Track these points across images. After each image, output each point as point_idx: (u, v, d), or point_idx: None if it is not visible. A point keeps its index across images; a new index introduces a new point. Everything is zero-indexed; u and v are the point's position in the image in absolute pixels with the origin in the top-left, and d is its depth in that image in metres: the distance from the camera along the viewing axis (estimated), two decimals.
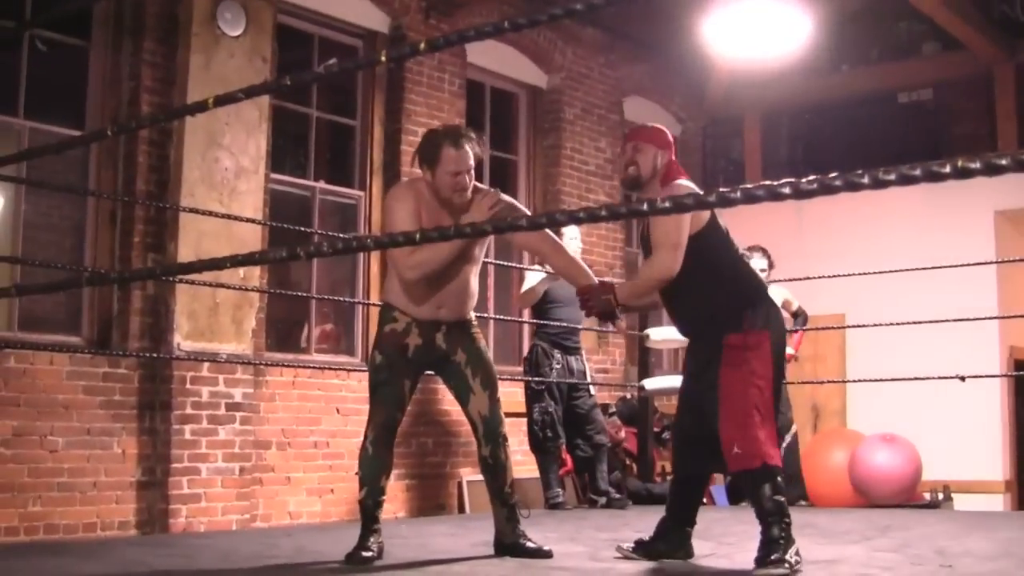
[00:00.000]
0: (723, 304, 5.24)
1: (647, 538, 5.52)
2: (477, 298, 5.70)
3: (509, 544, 5.57)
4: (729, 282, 5.29)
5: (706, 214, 5.27)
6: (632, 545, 5.53)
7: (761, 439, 5.01)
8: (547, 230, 5.72)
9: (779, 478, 5.04)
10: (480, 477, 8.89)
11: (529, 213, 5.88)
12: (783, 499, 5.01)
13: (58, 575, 5.15)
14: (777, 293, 9.63)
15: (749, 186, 2.02)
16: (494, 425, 5.52)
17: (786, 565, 4.85)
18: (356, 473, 5.55)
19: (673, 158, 5.47)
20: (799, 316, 9.69)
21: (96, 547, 6.65)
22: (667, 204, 2.15)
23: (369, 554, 5.34)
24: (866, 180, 1.85)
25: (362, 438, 5.50)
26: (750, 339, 5.15)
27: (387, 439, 5.48)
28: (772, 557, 4.89)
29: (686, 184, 5.33)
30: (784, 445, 9.56)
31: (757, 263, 9.57)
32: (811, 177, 1.92)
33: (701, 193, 5.31)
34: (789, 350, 9.53)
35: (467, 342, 5.56)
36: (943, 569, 5.09)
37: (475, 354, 5.56)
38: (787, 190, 1.94)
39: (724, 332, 5.18)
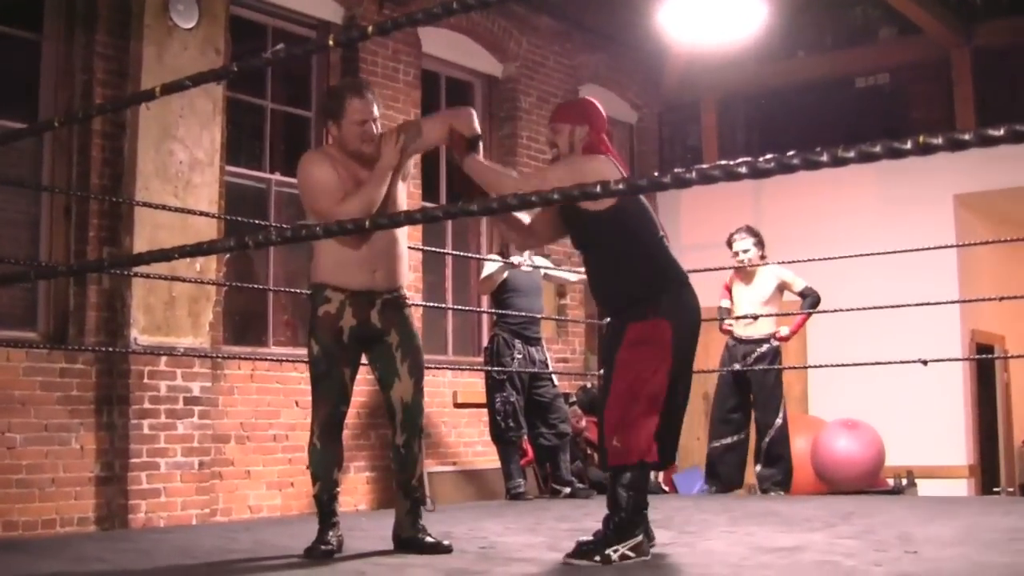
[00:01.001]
0: (636, 286, 5.14)
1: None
2: (408, 262, 5.65)
3: (407, 538, 5.47)
4: (645, 264, 5.18)
5: None
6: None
7: (640, 435, 4.98)
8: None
9: (646, 473, 5.06)
10: (443, 468, 8.90)
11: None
12: (641, 497, 5.02)
13: (18, 572, 5.09)
14: (772, 274, 9.58)
15: (705, 166, 1.97)
16: (414, 415, 5.44)
17: (597, 559, 4.87)
18: (307, 468, 5.50)
19: (599, 131, 5.34)
20: (807, 297, 9.55)
21: (55, 544, 6.58)
22: (621, 187, 2.10)
23: (328, 547, 5.29)
24: (825, 158, 1.81)
25: (309, 433, 5.43)
26: (649, 330, 5.05)
27: (334, 433, 5.42)
28: (588, 549, 4.94)
29: (603, 158, 5.23)
30: (767, 439, 9.56)
31: (741, 244, 9.53)
32: (768, 156, 1.88)
33: (619, 168, 5.25)
34: (784, 331, 9.54)
35: (401, 323, 5.46)
36: (907, 555, 5.08)
37: (407, 338, 5.46)
38: (744, 170, 1.90)
39: (630, 319, 5.11)
